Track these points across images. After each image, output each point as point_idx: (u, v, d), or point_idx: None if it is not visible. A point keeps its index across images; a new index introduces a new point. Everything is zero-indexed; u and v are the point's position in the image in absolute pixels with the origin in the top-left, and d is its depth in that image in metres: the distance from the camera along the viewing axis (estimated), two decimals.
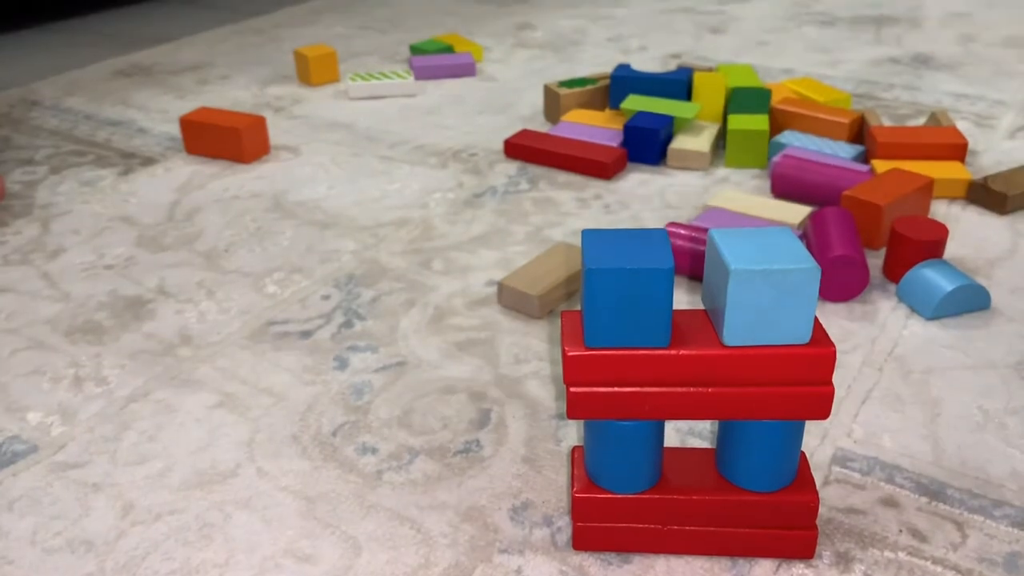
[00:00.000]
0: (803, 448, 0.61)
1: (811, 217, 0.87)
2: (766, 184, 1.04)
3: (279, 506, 0.60)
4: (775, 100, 1.16)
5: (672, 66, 1.46)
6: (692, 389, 0.49)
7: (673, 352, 0.48)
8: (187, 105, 1.35)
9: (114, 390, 0.72)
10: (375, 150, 1.17)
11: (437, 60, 1.44)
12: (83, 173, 1.12)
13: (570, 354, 0.49)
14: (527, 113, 1.29)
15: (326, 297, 0.83)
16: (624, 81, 1.18)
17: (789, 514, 0.54)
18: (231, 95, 1.39)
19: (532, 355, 0.74)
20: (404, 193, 1.05)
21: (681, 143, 1.09)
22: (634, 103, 1.14)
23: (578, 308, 0.58)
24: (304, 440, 0.65)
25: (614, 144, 1.10)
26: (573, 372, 0.49)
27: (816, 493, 0.53)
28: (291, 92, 1.40)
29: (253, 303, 0.83)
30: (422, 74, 1.43)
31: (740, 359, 0.48)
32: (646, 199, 1.01)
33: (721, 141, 1.15)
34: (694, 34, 1.65)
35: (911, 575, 0.54)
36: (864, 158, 1.08)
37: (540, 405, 0.68)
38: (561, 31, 1.69)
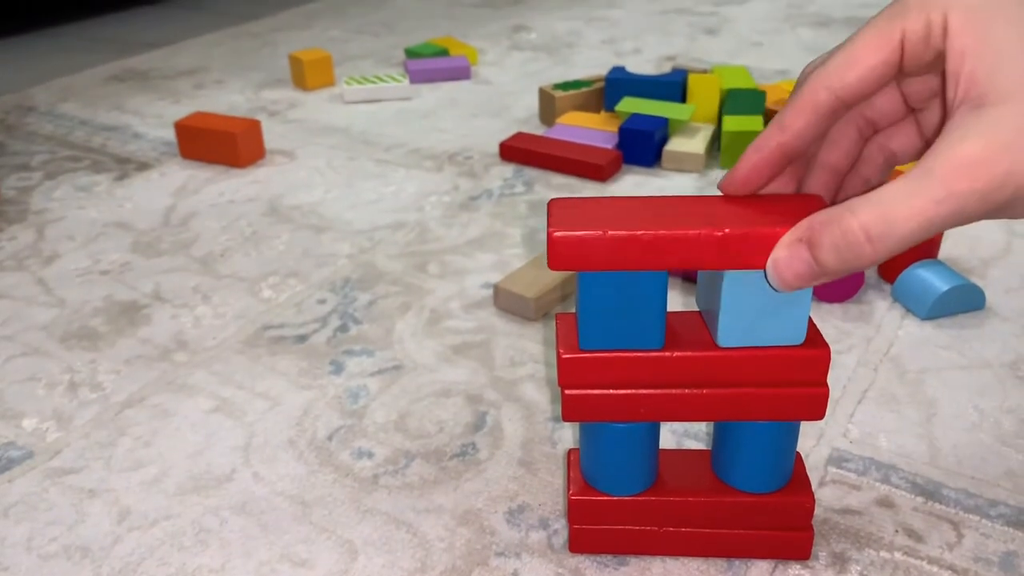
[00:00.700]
0: (799, 449, 0.61)
1: None
2: None
3: (275, 511, 0.59)
4: (770, 101, 1.16)
5: (667, 68, 1.46)
6: (687, 390, 0.49)
7: (667, 354, 0.48)
8: (182, 110, 1.35)
9: (109, 395, 0.71)
10: (371, 154, 1.17)
11: (432, 63, 1.44)
12: (78, 178, 1.12)
13: (564, 357, 0.49)
14: (522, 116, 1.29)
15: (322, 301, 0.83)
16: (619, 83, 1.19)
17: (785, 515, 0.54)
18: (226, 99, 1.39)
19: (528, 358, 0.74)
20: (400, 196, 1.05)
21: (676, 145, 1.09)
22: (629, 105, 1.14)
23: (573, 311, 0.58)
24: (300, 445, 0.65)
25: (609, 146, 1.10)
26: (567, 374, 0.49)
27: (812, 494, 0.53)
28: (286, 96, 1.40)
29: (248, 308, 0.83)
30: (417, 77, 1.43)
31: (735, 360, 0.48)
32: None
33: (716, 143, 1.15)
34: (688, 36, 1.65)
35: (907, 575, 0.54)
36: None
37: (536, 408, 0.68)
38: (556, 33, 1.69)
